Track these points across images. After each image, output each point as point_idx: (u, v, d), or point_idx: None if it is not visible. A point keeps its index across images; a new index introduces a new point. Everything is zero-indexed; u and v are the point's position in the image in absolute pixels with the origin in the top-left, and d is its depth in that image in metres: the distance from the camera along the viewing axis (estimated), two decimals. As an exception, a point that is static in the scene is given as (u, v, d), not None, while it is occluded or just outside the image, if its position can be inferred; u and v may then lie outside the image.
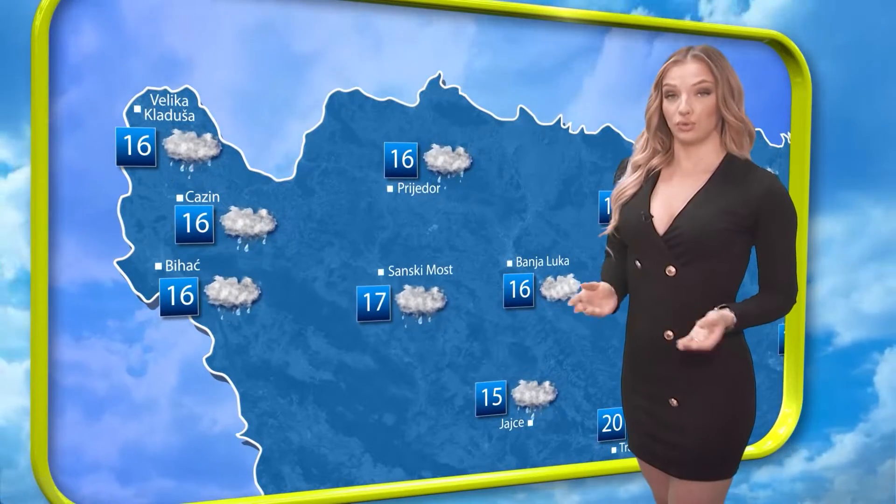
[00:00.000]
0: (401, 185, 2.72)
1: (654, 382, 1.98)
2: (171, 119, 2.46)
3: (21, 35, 2.29)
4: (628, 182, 2.04)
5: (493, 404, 2.85)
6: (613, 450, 3.01)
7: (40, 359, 2.32)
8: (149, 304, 2.48)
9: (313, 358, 2.65)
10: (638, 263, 1.99)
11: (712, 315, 1.84)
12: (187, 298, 2.50)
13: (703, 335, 1.83)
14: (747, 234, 1.91)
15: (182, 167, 2.49)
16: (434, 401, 2.79)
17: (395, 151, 2.69)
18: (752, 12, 3.07)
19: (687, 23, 2.97)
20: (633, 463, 2.78)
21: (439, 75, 2.74)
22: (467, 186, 2.79)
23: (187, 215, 2.49)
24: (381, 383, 2.73)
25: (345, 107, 2.65)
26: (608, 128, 2.94)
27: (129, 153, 2.43)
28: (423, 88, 2.73)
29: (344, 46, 2.62)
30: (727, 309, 1.87)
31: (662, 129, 2.00)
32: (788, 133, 3.19)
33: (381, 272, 2.70)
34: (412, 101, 2.72)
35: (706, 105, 1.91)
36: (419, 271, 2.75)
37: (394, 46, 2.67)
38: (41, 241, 2.31)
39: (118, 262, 2.44)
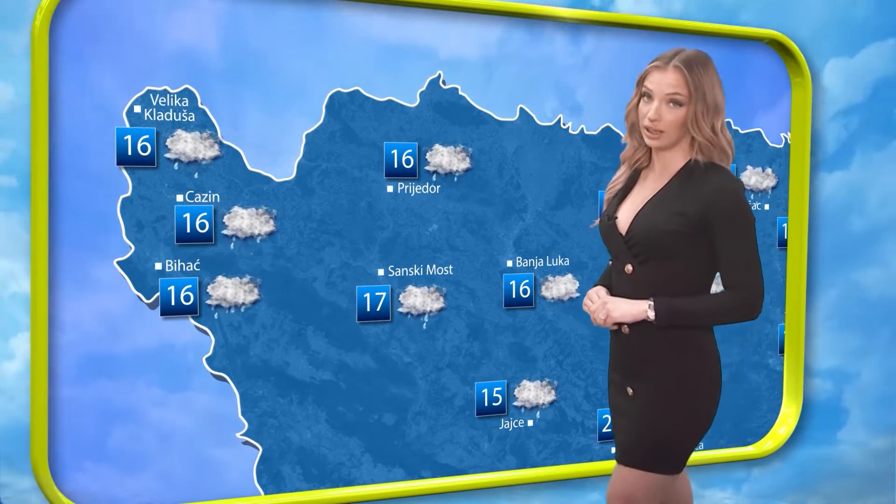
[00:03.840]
0: (401, 185, 2.72)
1: (618, 372, 2.06)
2: (171, 119, 2.46)
3: (21, 35, 2.29)
4: (617, 177, 2.13)
5: (493, 404, 2.85)
6: (613, 450, 3.00)
7: (40, 359, 2.32)
8: (149, 304, 2.48)
9: (313, 358, 2.65)
10: (611, 261, 2.10)
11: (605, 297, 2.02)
12: (187, 298, 2.50)
13: (594, 306, 2.02)
14: (700, 235, 1.92)
15: (182, 167, 2.49)
16: (434, 401, 2.79)
17: (395, 151, 2.69)
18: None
19: (688, 23, 2.96)
20: (633, 463, 2.78)
21: (439, 75, 2.74)
22: (467, 186, 2.79)
23: (187, 215, 2.49)
24: (381, 383, 2.73)
25: (345, 107, 2.65)
26: (608, 128, 2.94)
27: (129, 153, 2.43)
28: (423, 88, 2.73)
29: (345, 46, 2.62)
30: (648, 300, 1.94)
31: (639, 128, 2.03)
32: (788, 133, 3.19)
33: (381, 272, 2.71)
34: (412, 101, 2.72)
35: (676, 116, 1.93)
36: (419, 271, 2.75)
37: (394, 46, 2.67)
38: (41, 241, 2.31)
39: (118, 262, 2.44)
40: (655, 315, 1.93)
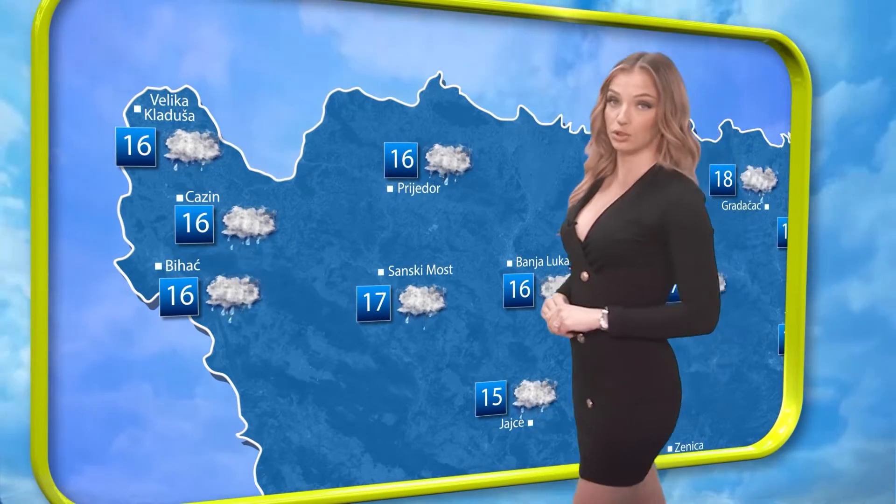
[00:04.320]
0: (401, 185, 2.72)
1: (578, 383, 2.03)
2: (171, 119, 2.46)
3: (21, 35, 2.29)
4: (580, 186, 2.10)
5: (493, 404, 2.85)
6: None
7: (40, 358, 2.32)
8: (149, 304, 2.48)
9: (313, 358, 2.65)
10: (570, 267, 2.06)
11: (561, 304, 1.98)
12: (187, 298, 2.50)
13: (549, 314, 1.99)
14: (656, 245, 1.89)
15: (182, 167, 2.49)
16: (434, 401, 2.79)
17: (395, 151, 2.69)
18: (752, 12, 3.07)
19: (687, 23, 2.96)
20: (633, 463, 2.78)
21: (439, 75, 2.74)
22: (467, 186, 2.79)
23: (187, 215, 2.49)
24: (381, 383, 2.73)
25: (345, 107, 2.65)
26: (608, 128, 2.94)
27: (129, 153, 2.43)
28: (423, 88, 2.73)
29: (344, 46, 2.62)
30: (603, 309, 1.91)
31: (606, 134, 2.00)
32: (788, 133, 3.19)
33: (381, 272, 2.71)
34: (412, 101, 2.72)
35: (645, 118, 1.91)
36: (419, 271, 2.75)
37: (394, 46, 2.67)
38: (41, 241, 2.31)
39: (118, 262, 2.44)
40: (608, 324, 1.89)
